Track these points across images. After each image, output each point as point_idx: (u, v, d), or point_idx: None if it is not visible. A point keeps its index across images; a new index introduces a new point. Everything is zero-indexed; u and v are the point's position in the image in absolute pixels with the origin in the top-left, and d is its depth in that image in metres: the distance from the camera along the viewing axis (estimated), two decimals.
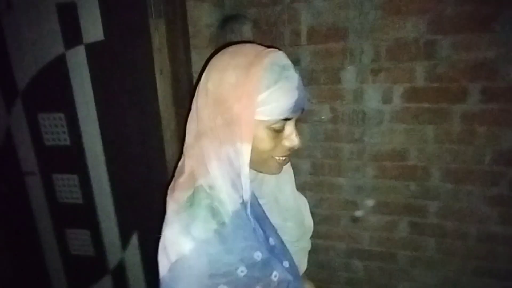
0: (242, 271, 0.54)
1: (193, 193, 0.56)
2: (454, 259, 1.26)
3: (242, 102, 0.51)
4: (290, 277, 0.60)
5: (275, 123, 0.54)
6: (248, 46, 0.57)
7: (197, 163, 0.57)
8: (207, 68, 0.56)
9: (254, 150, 0.53)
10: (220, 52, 0.57)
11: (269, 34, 1.22)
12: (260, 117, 0.52)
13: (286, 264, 0.61)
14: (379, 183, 1.26)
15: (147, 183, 1.30)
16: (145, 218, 1.33)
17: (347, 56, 1.16)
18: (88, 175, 1.34)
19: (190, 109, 0.60)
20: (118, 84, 1.23)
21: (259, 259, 0.56)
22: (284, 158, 0.59)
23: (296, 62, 1.21)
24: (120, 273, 1.42)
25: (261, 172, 0.61)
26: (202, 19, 1.17)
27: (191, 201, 0.55)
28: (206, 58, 1.20)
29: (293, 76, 0.54)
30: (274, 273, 0.58)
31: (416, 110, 1.15)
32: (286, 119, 0.55)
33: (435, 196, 1.21)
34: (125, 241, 1.37)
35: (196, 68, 1.22)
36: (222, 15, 1.22)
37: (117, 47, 1.20)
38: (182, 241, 0.52)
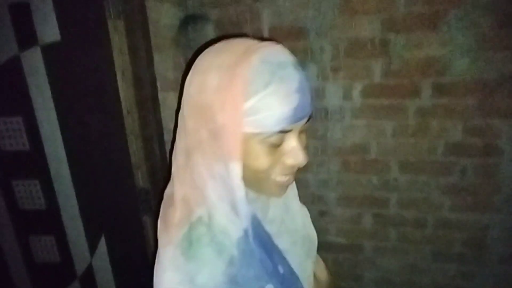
0: None
1: (189, 230, 0.46)
2: (414, 246, 1.33)
3: (226, 110, 0.41)
4: None
5: (270, 136, 0.43)
6: (237, 41, 0.47)
7: (190, 189, 0.47)
8: (190, 70, 0.47)
9: (249, 169, 0.44)
10: (205, 50, 0.47)
11: (232, 34, 1.23)
12: (249, 129, 0.42)
13: None
14: (343, 177, 1.31)
15: (112, 186, 1.28)
16: (112, 221, 1.31)
17: (308, 54, 1.20)
18: (51, 180, 1.30)
19: (176, 122, 0.50)
20: (78, 86, 1.20)
21: None
22: (286, 178, 0.47)
23: None
24: (88, 279, 1.39)
25: (261, 194, 0.51)
26: (162, 19, 1.16)
27: (189, 241, 0.45)
28: (169, 59, 1.20)
29: (291, 77, 0.42)
30: None
31: (375, 106, 1.20)
32: (285, 131, 0.43)
33: (395, 188, 1.27)
34: (92, 246, 1.34)
35: (159, 70, 1.21)
36: (183, 15, 1.22)
37: (75, 48, 1.16)
38: (168, 273, 0.43)
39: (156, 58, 1.21)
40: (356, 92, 1.20)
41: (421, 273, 1.36)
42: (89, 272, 1.37)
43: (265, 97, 0.41)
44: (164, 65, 1.20)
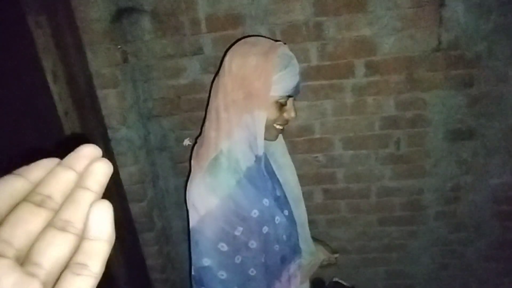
0: (255, 213, 0.70)
1: (215, 158, 0.70)
2: (362, 215, 1.44)
3: (261, 80, 0.67)
4: (287, 223, 0.77)
5: (281, 98, 0.71)
6: (263, 38, 0.77)
7: (219, 132, 0.70)
8: (229, 54, 0.72)
9: (267, 122, 0.70)
10: (241, 42, 0.73)
11: (169, 25, 1.20)
12: (274, 93, 0.69)
13: (286, 212, 0.78)
14: (292, 158, 1.36)
15: None
16: None
17: None
18: None
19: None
20: (5, 92, 1.12)
21: (266, 204, 0.72)
22: (282, 127, 0.76)
23: (199, 51, 1.22)
24: None
25: (265, 138, 0.74)
26: (91, 13, 1.10)
27: (214, 165, 0.69)
28: (103, 55, 1.15)
29: (296, 64, 0.72)
30: (277, 217, 0.75)
31: (314, 87, 1.25)
32: (289, 96, 0.72)
33: (340, 164, 1.36)
34: None
35: (94, 67, 1.16)
36: (114, 7, 1.16)
37: None
38: (209, 198, 0.67)
39: (89, 55, 1.16)
40: None
41: (370, 238, 1.48)
42: None
43: (284, 74, 0.69)
44: (98, 61, 1.15)
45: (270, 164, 0.82)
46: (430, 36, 1.16)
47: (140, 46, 1.24)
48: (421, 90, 1.22)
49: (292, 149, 1.34)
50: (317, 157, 1.35)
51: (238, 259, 0.70)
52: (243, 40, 0.74)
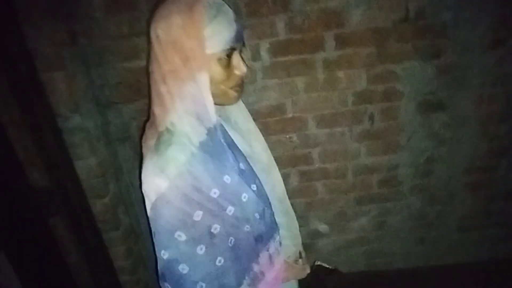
0: (215, 192, 0.62)
1: (159, 137, 0.62)
2: (340, 196, 1.40)
3: (191, 38, 0.58)
4: (257, 199, 0.68)
5: (223, 53, 0.61)
6: None
7: (162, 108, 0.63)
8: (152, 19, 0.62)
9: (212, 83, 0.60)
10: (161, 3, 0.63)
11: (123, 0, 1.08)
12: (209, 50, 0.59)
13: (254, 187, 0.69)
14: (265, 140, 1.30)
15: (1, 193, 1.08)
16: (11, 233, 1.12)
17: None
18: None
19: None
20: None
21: (228, 181, 0.63)
22: (238, 88, 0.66)
23: None
24: None
25: (222, 104, 0.68)
26: None
27: (159, 143, 0.62)
28: (46, 33, 1.02)
29: (228, 11, 0.62)
30: (244, 194, 0.66)
31: (284, 63, 1.19)
32: (232, 49, 0.62)
33: (315, 143, 1.31)
34: None
35: (34, 46, 1.02)
36: None
37: None
38: (157, 181, 0.59)
39: (30, 32, 1.01)
40: (264, 51, 1.17)
41: (349, 219, 1.45)
42: None
43: (216, 25, 0.59)
44: (41, 41, 1.01)
45: (230, 135, 0.72)
46: (397, 6, 1.13)
47: (91, 24, 1.11)
48: (392, 62, 1.20)
49: (265, 130, 1.27)
50: (291, 137, 1.29)
51: (201, 249, 0.62)
52: (164, 1, 0.64)
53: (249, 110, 1.20)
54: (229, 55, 0.62)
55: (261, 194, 0.71)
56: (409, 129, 1.29)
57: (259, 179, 0.72)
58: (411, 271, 1.54)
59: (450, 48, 1.19)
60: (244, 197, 0.66)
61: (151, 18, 0.63)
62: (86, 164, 1.15)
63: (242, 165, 0.68)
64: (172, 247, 0.60)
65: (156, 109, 0.64)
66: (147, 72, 0.66)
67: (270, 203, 0.74)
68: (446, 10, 1.14)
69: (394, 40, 1.17)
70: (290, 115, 1.26)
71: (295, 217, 0.87)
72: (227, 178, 0.64)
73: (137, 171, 1.29)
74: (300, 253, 0.89)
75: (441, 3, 1.13)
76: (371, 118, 1.27)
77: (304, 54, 1.18)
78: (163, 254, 0.61)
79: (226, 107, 0.72)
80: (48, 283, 1.22)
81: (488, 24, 1.15)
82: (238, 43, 0.63)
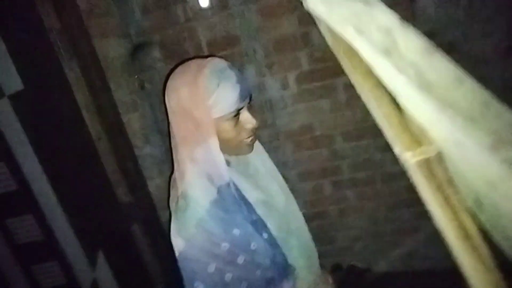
0: (225, 246, 0.68)
1: (177, 201, 0.70)
2: (370, 202, 1.53)
3: (199, 108, 0.65)
4: (267, 246, 0.73)
5: (230, 115, 0.67)
6: (188, 63, 0.71)
7: (178, 172, 0.70)
8: (166, 93, 0.70)
9: (224, 140, 0.68)
10: (171, 76, 0.71)
11: (175, 52, 1.39)
12: (216, 115, 0.65)
13: (265, 235, 0.73)
14: (298, 156, 1.50)
15: (98, 206, 1.43)
16: (106, 236, 1.46)
17: (243, 57, 1.37)
18: (43, 212, 1.44)
19: None
20: (48, 125, 1.34)
21: (237, 234, 0.69)
22: (250, 138, 0.72)
23: None
24: None
25: (237, 155, 0.74)
26: (111, 52, 1.31)
27: (177, 208, 0.70)
28: (123, 85, 1.35)
29: (231, 75, 0.66)
30: (253, 243, 0.71)
31: (309, 89, 1.39)
32: (239, 109, 0.68)
33: (343, 156, 1.47)
34: (93, 262, 1.49)
35: (117, 96, 1.36)
36: (130, 45, 1.37)
37: (38, 92, 1.31)
38: (177, 242, 0.68)
39: (113, 86, 1.37)
40: (291, 81, 1.38)
41: (382, 224, 1.56)
42: (95, 286, 1.53)
43: (220, 92, 0.65)
44: (121, 92, 1.36)
45: (244, 186, 0.75)
46: None
47: (153, 73, 1.44)
48: None
49: (297, 148, 1.48)
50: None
51: None
52: (174, 72, 0.71)
53: (282, 132, 1.44)
54: (237, 113, 0.68)
55: (272, 242, 0.75)
56: None
57: (269, 229, 0.75)
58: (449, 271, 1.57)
59: (461, 62, 1.27)
60: (254, 245, 0.70)
61: (164, 90, 0.71)
62: (156, 183, 1.46)
63: (254, 216, 0.73)
64: None
65: (176, 174, 0.72)
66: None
67: (280, 249, 0.77)
68: (455, 27, 1.24)
69: None
70: (318, 133, 1.45)
71: (314, 248, 0.89)
72: (236, 231, 0.69)
73: None
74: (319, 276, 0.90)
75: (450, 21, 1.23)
76: None
77: (327, 80, 1.36)
78: None
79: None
80: (130, 277, 1.54)
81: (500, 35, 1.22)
82: (244, 101, 0.68)
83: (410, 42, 0.40)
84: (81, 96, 1.27)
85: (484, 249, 0.43)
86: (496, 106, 0.39)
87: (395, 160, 1.30)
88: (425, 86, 0.39)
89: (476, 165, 0.38)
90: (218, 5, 1.30)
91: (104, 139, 1.34)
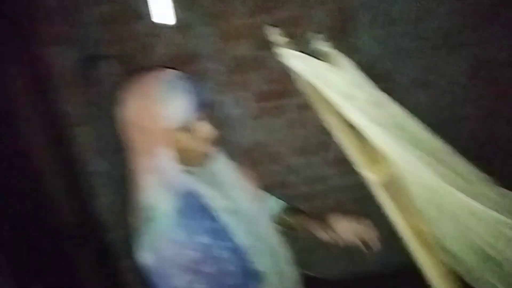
0: (192, 254, 0.67)
1: (139, 217, 0.69)
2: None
3: (151, 118, 0.65)
4: (231, 255, 0.72)
5: (184, 124, 0.66)
6: (142, 75, 0.70)
7: (136, 186, 0.69)
8: (118, 104, 0.69)
9: (183, 151, 0.68)
10: (124, 88, 0.70)
11: (133, 66, 1.37)
12: (169, 125, 0.65)
13: (229, 244, 0.73)
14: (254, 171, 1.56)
15: (35, 223, 1.28)
16: (43, 260, 1.30)
17: (203, 75, 1.41)
18: None
19: None
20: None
21: (204, 242, 0.68)
22: (207, 149, 0.72)
23: None
24: None
25: (199, 166, 0.73)
26: (61, 61, 1.24)
27: (140, 224, 0.68)
28: (72, 97, 1.28)
29: (182, 86, 0.65)
30: (220, 251, 0.70)
31: (265, 108, 1.48)
32: (190, 120, 0.66)
33: (295, 170, 1.57)
34: None
35: (64, 107, 1.28)
36: (84, 55, 1.31)
37: None
38: (145, 256, 0.67)
39: (61, 98, 1.28)
40: (248, 100, 1.46)
41: None
42: None
43: (171, 103, 0.65)
44: (70, 104, 1.28)
45: (207, 195, 0.75)
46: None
47: (106, 86, 1.38)
48: None
49: (253, 161, 1.54)
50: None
51: None
52: (127, 84, 0.70)
53: (238, 147, 1.49)
54: (192, 123, 0.67)
55: (240, 249, 0.75)
56: None
57: (232, 238, 0.75)
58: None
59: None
60: (221, 253, 0.71)
61: (117, 103, 0.69)
62: (106, 201, 1.37)
63: (220, 224, 0.73)
64: None
65: (134, 186, 0.70)
66: None
67: (246, 256, 0.77)
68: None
69: None
70: (273, 149, 1.54)
71: (284, 254, 0.88)
72: (203, 239, 0.69)
73: None
74: None
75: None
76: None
77: (280, 100, 1.48)
78: None
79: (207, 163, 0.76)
80: None
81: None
82: (199, 112, 0.68)
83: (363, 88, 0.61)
84: (21, 106, 1.16)
85: (435, 248, 0.61)
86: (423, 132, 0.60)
87: (342, 174, 1.43)
88: (375, 119, 0.57)
89: (419, 178, 0.57)
90: (181, 24, 1.34)
91: (46, 152, 1.23)
